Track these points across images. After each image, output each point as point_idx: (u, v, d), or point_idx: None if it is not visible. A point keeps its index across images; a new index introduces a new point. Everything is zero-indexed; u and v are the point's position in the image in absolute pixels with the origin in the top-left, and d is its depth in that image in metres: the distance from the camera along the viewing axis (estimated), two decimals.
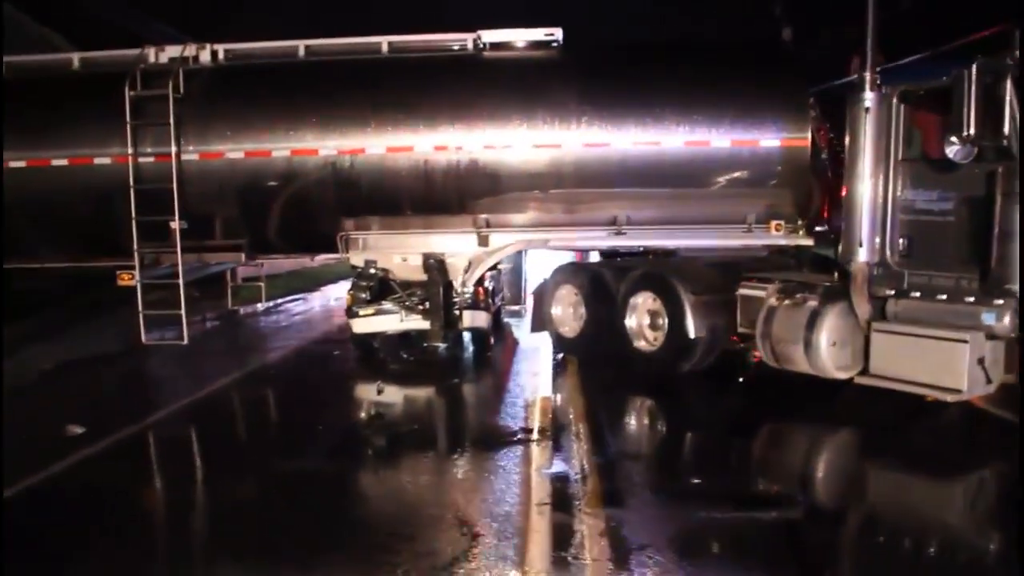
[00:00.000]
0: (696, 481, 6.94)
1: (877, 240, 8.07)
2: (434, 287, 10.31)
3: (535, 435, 7.83)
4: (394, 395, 9.69)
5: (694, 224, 9.97)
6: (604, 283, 10.65)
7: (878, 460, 7.46)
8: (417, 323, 10.61)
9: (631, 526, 5.82)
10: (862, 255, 8.11)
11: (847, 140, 8.21)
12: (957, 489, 6.92)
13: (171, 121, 9.78)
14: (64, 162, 10.08)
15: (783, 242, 9.76)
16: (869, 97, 7.96)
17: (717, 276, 9.81)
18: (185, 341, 10.14)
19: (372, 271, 10.43)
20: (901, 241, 8.00)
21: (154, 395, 9.44)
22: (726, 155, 9.57)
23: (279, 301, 15.89)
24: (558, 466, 6.99)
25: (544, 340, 11.89)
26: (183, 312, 10.08)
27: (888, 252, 8.07)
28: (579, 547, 5.45)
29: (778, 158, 9.52)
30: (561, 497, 6.27)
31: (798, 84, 9.51)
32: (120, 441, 7.88)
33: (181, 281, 10.06)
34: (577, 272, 11.20)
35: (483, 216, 10.11)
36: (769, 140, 9.48)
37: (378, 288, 10.64)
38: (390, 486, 6.92)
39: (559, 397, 9.38)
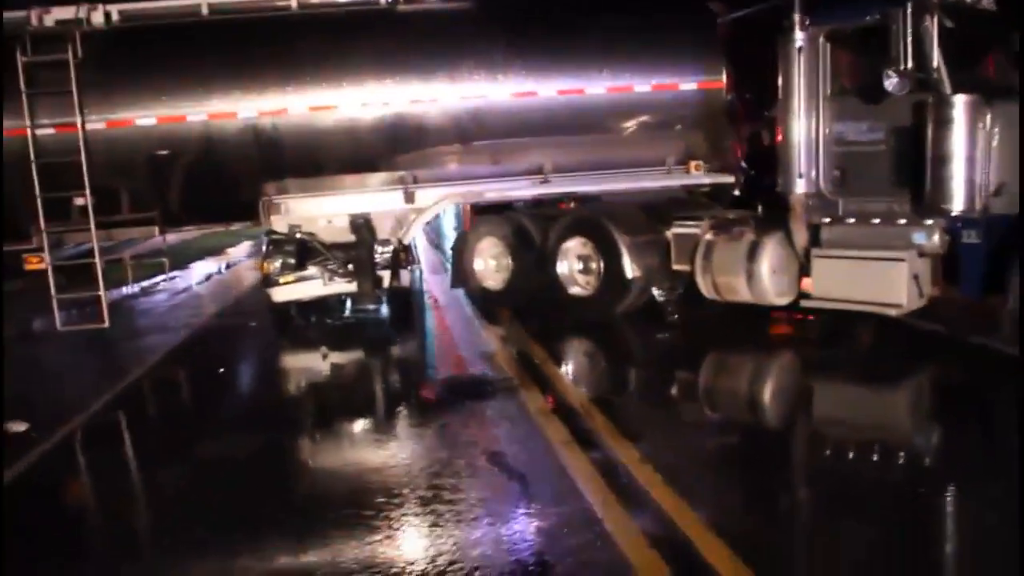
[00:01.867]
0: (687, 408, 7.33)
1: (813, 172, 8.62)
2: (363, 247, 10.15)
3: (515, 382, 7.94)
4: (343, 359, 9.54)
5: (617, 168, 10.28)
6: (529, 232, 10.79)
7: (836, 376, 8.01)
8: (341, 287, 10.43)
9: (664, 454, 6.01)
10: (800, 187, 8.63)
11: (779, 79, 8.65)
12: (904, 393, 7.58)
13: (74, 88, 9.14)
14: None
15: (706, 181, 10.22)
16: (800, 37, 8.42)
17: (646, 218, 10.14)
18: (106, 324, 9.57)
19: (298, 235, 10.12)
20: (834, 172, 8.57)
21: (83, 384, 8.78)
22: (647, 100, 9.93)
23: (155, 280, 15.07)
24: (556, 407, 7.12)
25: (458, 295, 12.01)
26: (102, 293, 9.54)
27: (822, 183, 8.63)
28: (629, 475, 5.63)
29: (696, 100, 9.96)
30: (579, 434, 6.41)
31: (711, 28, 9.93)
32: (75, 434, 7.42)
33: (98, 259, 9.53)
34: (500, 223, 11.21)
35: (409, 172, 10.03)
36: (687, 83, 9.89)
37: (298, 254, 10.37)
38: (402, 444, 6.79)
39: (512, 346, 9.49)
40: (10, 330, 10.70)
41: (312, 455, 6.78)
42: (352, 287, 10.34)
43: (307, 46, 9.64)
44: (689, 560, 4.47)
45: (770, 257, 8.89)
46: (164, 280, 14.86)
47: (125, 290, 13.15)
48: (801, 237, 8.76)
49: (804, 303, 8.73)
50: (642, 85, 9.83)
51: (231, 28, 9.69)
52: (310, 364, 9.50)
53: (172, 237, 15.68)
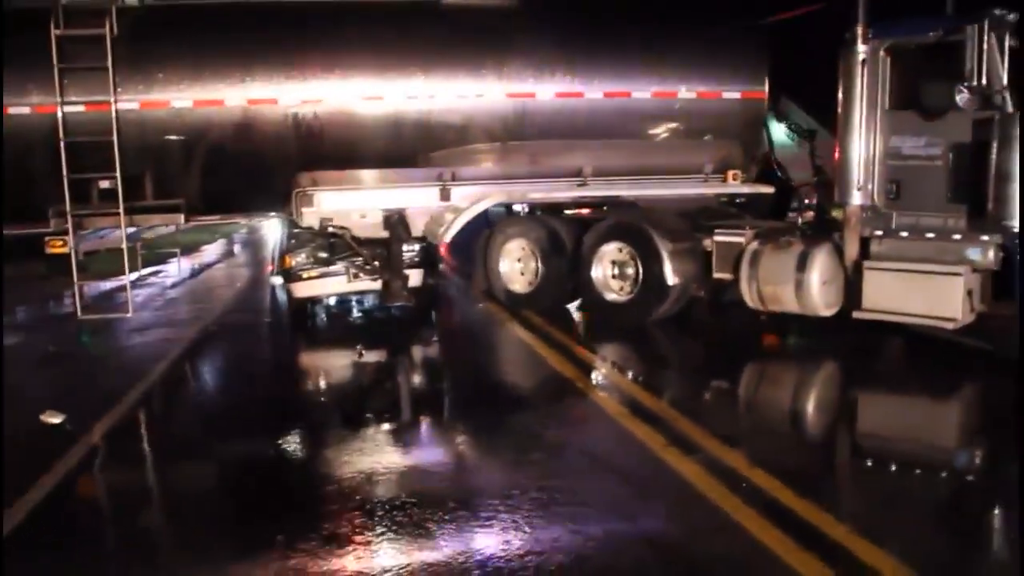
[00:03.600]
0: (762, 412, 7.35)
1: (869, 185, 8.66)
2: (394, 244, 9.90)
3: (579, 383, 7.78)
4: (384, 358, 9.26)
5: (655, 174, 10.23)
6: (560, 236, 10.64)
7: (877, 385, 8.10)
8: (365, 284, 10.17)
9: (770, 458, 5.86)
10: (856, 199, 8.67)
11: (839, 91, 8.69)
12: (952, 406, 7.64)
13: (109, 65, 8.73)
14: None
15: (745, 191, 10.22)
16: (863, 50, 8.47)
17: (685, 225, 10.07)
18: (130, 313, 9.13)
19: (329, 229, 9.81)
20: (889, 185, 8.63)
21: (109, 377, 8.35)
22: (690, 106, 9.91)
23: (143, 273, 14.44)
24: (637, 410, 6.93)
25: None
26: (127, 280, 9.09)
27: (876, 196, 8.68)
28: (745, 479, 5.48)
29: (737, 109, 9.97)
30: (673, 438, 6.23)
31: (759, 38, 9.95)
32: (118, 426, 7.02)
33: (125, 246, 9.05)
34: (529, 226, 11.06)
35: (448, 169, 9.84)
36: (730, 92, 9.90)
37: (324, 249, 10.08)
38: (485, 443, 6.58)
39: (554, 347, 9.28)
40: (27, 315, 10.22)
41: (395, 454, 6.40)
42: (377, 285, 10.11)
43: (355, 34, 9.39)
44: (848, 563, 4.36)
45: (820, 267, 8.87)
46: (157, 272, 14.28)
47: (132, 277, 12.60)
48: (853, 249, 8.78)
49: (855, 315, 8.76)
50: (687, 91, 9.81)
51: (274, 11, 9.36)
52: (345, 363, 9.15)
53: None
